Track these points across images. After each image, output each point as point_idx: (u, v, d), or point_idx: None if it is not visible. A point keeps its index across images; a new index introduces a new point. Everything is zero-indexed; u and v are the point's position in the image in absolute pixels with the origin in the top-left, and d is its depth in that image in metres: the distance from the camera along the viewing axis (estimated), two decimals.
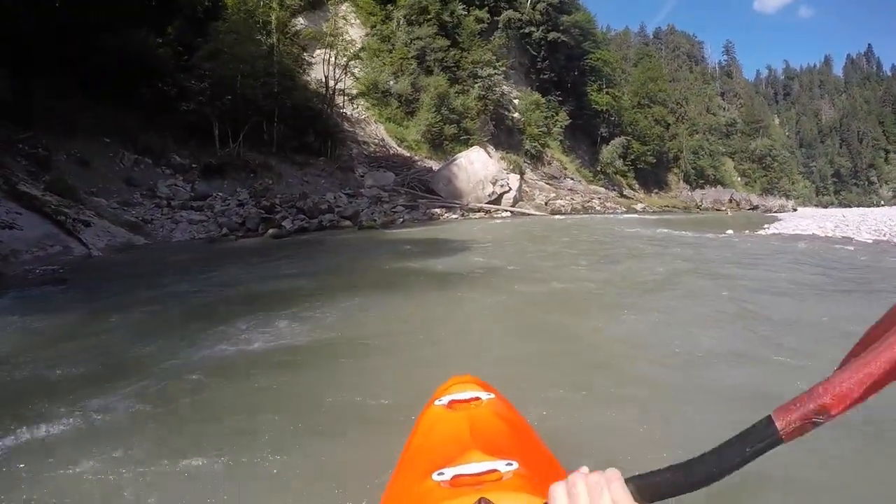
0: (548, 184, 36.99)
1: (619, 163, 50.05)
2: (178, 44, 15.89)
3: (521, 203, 27.53)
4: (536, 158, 39.57)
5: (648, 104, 60.63)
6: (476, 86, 35.65)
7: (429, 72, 33.16)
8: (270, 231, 11.25)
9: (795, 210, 60.95)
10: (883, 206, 69.45)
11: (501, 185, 25.79)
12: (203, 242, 10.46)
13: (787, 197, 76.03)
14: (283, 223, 12.48)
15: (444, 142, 30.77)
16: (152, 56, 15.12)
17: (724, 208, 55.55)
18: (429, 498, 1.21)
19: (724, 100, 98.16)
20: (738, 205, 59.16)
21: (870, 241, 12.61)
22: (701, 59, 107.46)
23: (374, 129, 28.78)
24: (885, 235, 13.85)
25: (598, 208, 36.29)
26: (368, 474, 2.27)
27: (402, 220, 16.89)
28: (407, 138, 29.81)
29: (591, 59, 49.60)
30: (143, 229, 10.38)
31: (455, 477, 1.25)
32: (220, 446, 2.56)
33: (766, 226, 19.09)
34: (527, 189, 30.90)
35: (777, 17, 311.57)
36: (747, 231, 16.60)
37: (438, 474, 1.26)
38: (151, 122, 14.89)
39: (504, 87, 39.25)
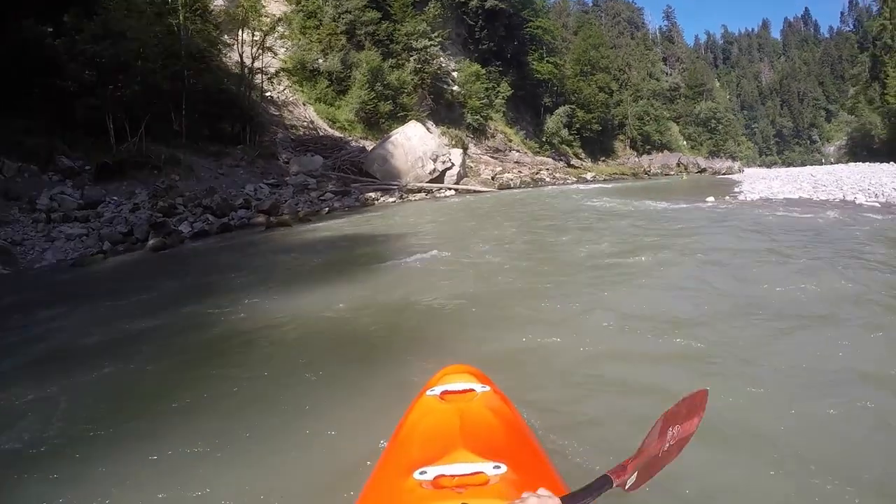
0: (493, 157, 35.79)
1: (564, 132, 48.99)
2: (75, 33, 13.76)
3: (466, 180, 26.21)
4: (479, 132, 38.24)
5: (591, 71, 59.68)
6: (411, 59, 33.95)
7: (360, 47, 31.36)
8: (151, 243, 9.37)
9: (742, 171, 61.63)
10: (827, 164, 70.97)
11: (443, 162, 24.31)
12: (69, 266, 8.47)
13: (733, 158, 76.41)
14: (180, 227, 10.72)
15: (380, 120, 29.06)
16: (44, 49, 13.14)
17: (673, 172, 56.88)
18: (408, 499, 1.18)
19: (666, 65, 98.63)
20: (685, 168, 60.65)
21: (878, 205, 11.96)
22: (641, 25, 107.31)
23: (303, 112, 26.91)
24: (883, 197, 13.28)
25: (547, 180, 35.66)
26: (353, 465, 2.25)
27: (328, 209, 15.31)
28: (339, 119, 28.05)
29: (531, 27, 48.23)
30: (11, 254, 8.66)
31: (438, 477, 1.23)
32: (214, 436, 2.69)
33: (737, 190, 18.32)
34: (471, 164, 29.62)
35: None
36: (727, 197, 15.67)
37: (421, 473, 1.24)
38: (41, 124, 12.92)
39: (441, 59, 37.69)
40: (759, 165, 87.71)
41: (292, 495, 2.25)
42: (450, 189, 23.41)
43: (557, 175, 39.05)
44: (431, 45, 34.97)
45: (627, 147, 66.52)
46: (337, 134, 26.52)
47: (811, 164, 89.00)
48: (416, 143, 23.61)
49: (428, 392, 1.83)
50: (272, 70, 24.45)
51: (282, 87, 26.74)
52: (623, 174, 50.26)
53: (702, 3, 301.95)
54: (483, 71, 40.70)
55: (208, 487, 2.30)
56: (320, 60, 29.56)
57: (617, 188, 26.71)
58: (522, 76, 46.86)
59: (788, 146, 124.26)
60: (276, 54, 25.77)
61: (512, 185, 29.43)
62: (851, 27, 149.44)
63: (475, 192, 24.38)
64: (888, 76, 56.73)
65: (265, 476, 2.39)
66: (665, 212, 12.21)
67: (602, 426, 2.67)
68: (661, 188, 27.05)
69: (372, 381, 3.32)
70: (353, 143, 25.68)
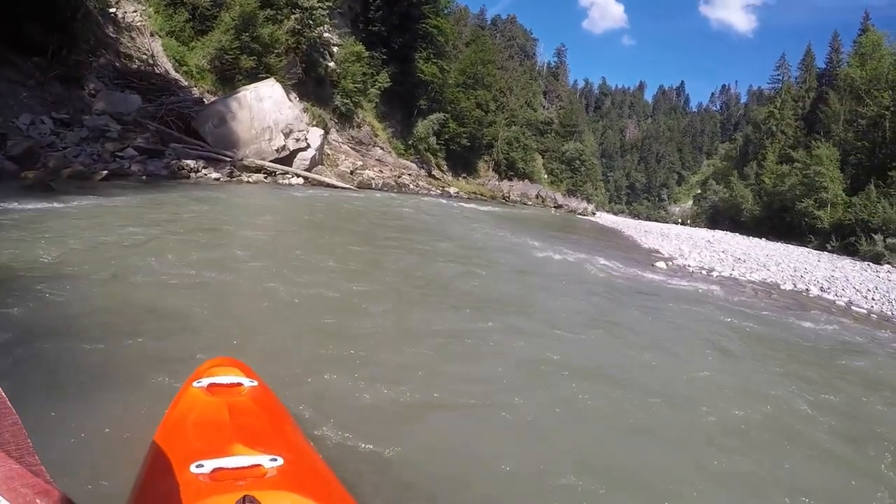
0: (354, 149, 33.05)
1: (432, 140, 47.28)
2: None
3: (320, 168, 23.27)
4: (346, 118, 35.16)
5: (474, 85, 58.54)
6: (293, 17, 30.31)
7: None
8: None
9: (594, 214, 64.68)
10: (672, 222, 77.96)
11: (297, 140, 21.09)
12: None
13: (588, 200, 79.73)
14: None
15: (237, 76, 24.85)
16: None
17: (530, 203, 58.35)
18: (188, 493, 1.16)
19: (546, 99, 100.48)
20: (543, 201, 62.61)
21: (863, 310, 10.74)
22: (532, 56, 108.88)
23: (147, 43, 22.61)
24: (844, 295, 12.32)
25: (412, 187, 33.72)
26: (118, 457, 2.17)
27: (110, 172, 11.53)
28: (189, 62, 23.90)
29: (428, 23, 45.93)
30: None
31: (216, 470, 1.23)
32: None
33: (655, 254, 17.05)
34: (329, 152, 26.75)
35: (602, 39, 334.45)
36: (663, 266, 13.30)
37: (197, 466, 1.23)
38: None
39: (326, 28, 34.45)
40: (606, 211, 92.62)
41: None
42: (298, 176, 20.21)
43: (421, 183, 37.39)
44: (320, 7, 31.43)
45: (490, 169, 66.30)
46: (180, 79, 22.28)
47: (654, 219, 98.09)
48: (267, 108, 20.04)
49: (195, 384, 1.78)
50: None
51: (131, 9, 22.57)
52: (482, 195, 49.76)
53: (590, 52, 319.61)
54: (366, 54, 37.76)
55: None
56: None
57: (505, 217, 24.97)
58: (404, 72, 44.17)
59: (638, 199, 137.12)
60: None
61: (373, 185, 27.00)
62: (718, 108, 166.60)
63: (329, 185, 21.57)
64: (765, 158, 63.50)
65: None
66: (627, 283, 9.61)
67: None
68: (556, 226, 26.40)
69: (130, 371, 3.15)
70: (193, 92, 21.59)
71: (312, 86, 32.18)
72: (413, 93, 47.10)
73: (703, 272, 12.94)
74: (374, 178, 28.21)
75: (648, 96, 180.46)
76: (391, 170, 34.46)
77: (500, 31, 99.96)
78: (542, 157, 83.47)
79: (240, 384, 1.81)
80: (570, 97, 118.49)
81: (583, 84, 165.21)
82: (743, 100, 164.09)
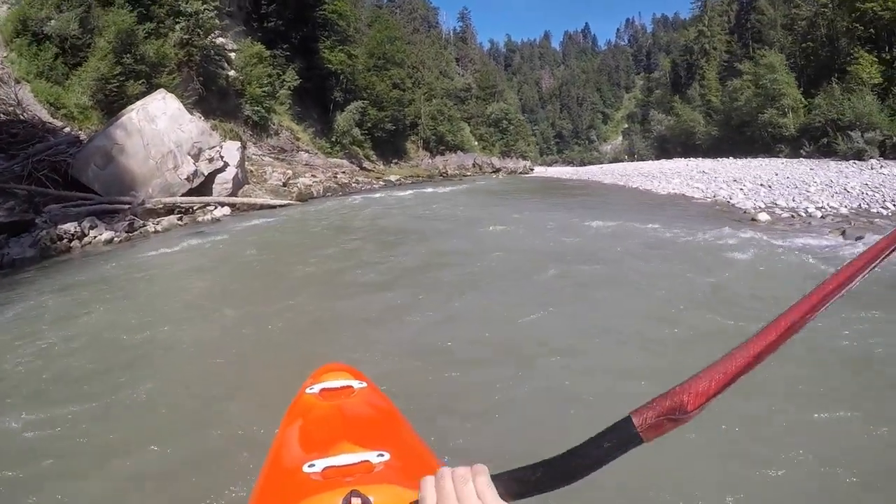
0: (278, 159, 30.07)
1: (356, 131, 44.36)
2: None
3: (247, 189, 20.36)
4: (261, 128, 31.92)
5: (385, 66, 55.77)
6: (177, 27, 27.03)
7: (108, 3, 23.96)
8: None
9: (532, 170, 70.46)
10: (606, 161, 79.44)
11: (210, 160, 17.97)
12: None
13: (524, 158, 79.53)
14: None
15: (128, 105, 21.79)
16: None
17: (469, 173, 58.51)
18: (300, 491, 1.20)
19: (459, 66, 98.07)
20: (480, 168, 63.41)
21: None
22: (435, 25, 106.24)
23: (11, 91, 19.19)
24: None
25: (353, 185, 31.73)
26: (239, 468, 2.52)
27: None
28: (67, 103, 20.48)
29: (325, 10, 42.77)
30: None
31: (326, 469, 1.27)
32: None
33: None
34: (252, 168, 23.85)
35: None
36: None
37: (309, 466, 1.28)
38: None
39: (218, 34, 31.21)
40: (539, 164, 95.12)
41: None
42: (223, 205, 17.14)
43: (360, 179, 35.17)
44: (206, 9, 28.07)
45: (420, 148, 63.76)
46: (56, 123, 18.71)
47: (589, 162, 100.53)
48: (164, 129, 16.53)
49: (307, 390, 1.86)
50: None
51: None
52: (419, 176, 48.36)
53: (487, 12, 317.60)
54: (268, 53, 34.56)
55: None
56: (52, 21, 21.99)
57: (477, 192, 25.17)
58: (311, 65, 41.17)
59: (568, 146, 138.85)
60: None
61: (315, 194, 24.32)
62: (627, 42, 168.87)
63: (266, 206, 18.79)
64: (704, 78, 64.24)
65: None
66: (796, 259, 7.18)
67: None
68: (536, 191, 26.58)
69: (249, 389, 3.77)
70: (67, 133, 17.89)
71: (216, 100, 28.99)
72: (324, 86, 44.11)
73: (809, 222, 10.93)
74: (311, 186, 25.38)
75: (556, 44, 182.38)
76: (322, 171, 31.58)
77: (398, 7, 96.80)
78: (469, 125, 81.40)
79: (350, 387, 1.85)
80: (482, 59, 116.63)
81: (488, 45, 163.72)
82: (649, 29, 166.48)
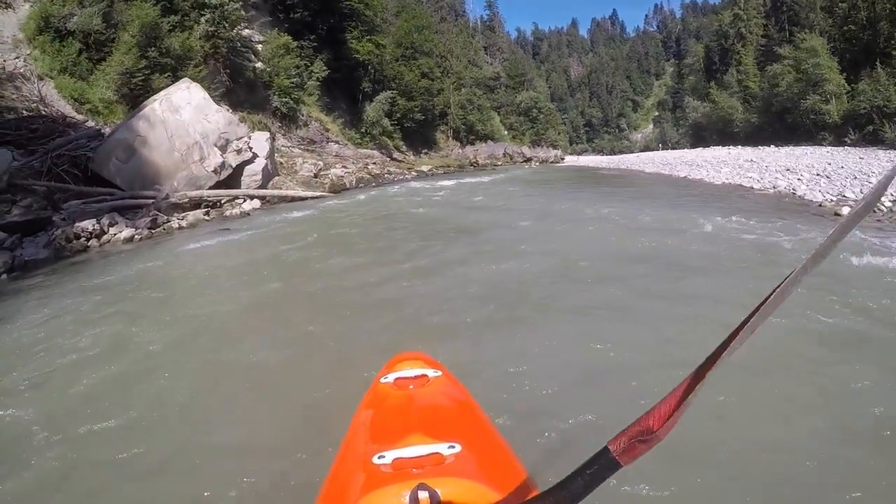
0: (308, 150, 29.33)
1: (385, 122, 43.63)
2: None
3: (277, 180, 19.58)
4: (289, 119, 31.21)
5: (414, 55, 54.68)
6: (203, 20, 26.41)
7: None
8: None
9: (563, 159, 68.58)
10: (637, 151, 78.43)
11: (239, 151, 17.12)
12: None
13: (554, 147, 78.30)
14: None
15: None
16: None
17: (500, 163, 56.91)
18: (369, 482, 1.21)
19: (487, 54, 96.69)
20: (511, 158, 61.77)
21: None
22: (462, 14, 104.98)
23: (35, 88, 18.64)
24: None
25: (386, 176, 31.04)
26: (313, 456, 2.54)
27: None
28: (92, 98, 20.00)
29: (351, 0, 41.92)
30: None
31: (396, 460, 1.26)
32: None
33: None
34: (281, 160, 23.10)
35: None
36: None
37: (379, 457, 1.27)
38: None
39: (244, 29, 30.60)
40: (569, 153, 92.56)
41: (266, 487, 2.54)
42: (253, 198, 16.39)
43: (392, 169, 34.37)
44: (231, 1, 27.35)
45: (450, 138, 62.74)
46: (74, 117, 17.96)
47: (619, 151, 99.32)
48: (188, 119, 15.70)
49: (382, 380, 1.86)
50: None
51: (12, 56, 18.97)
52: (449, 166, 47.27)
53: (513, 0, 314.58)
54: (295, 44, 33.89)
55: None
56: (75, 17, 21.47)
57: (520, 182, 24.50)
58: (339, 56, 40.43)
59: (598, 134, 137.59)
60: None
61: (348, 185, 23.61)
62: (655, 28, 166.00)
63: (297, 198, 18.01)
64: (741, 63, 61.85)
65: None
66: None
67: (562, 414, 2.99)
68: (585, 180, 25.53)
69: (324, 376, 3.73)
70: (88, 127, 17.09)
71: (244, 93, 28.37)
72: (352, 77, 43.18)
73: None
74: (344, 177, 24.60)
75: (583, 31, 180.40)
76: (353, 162, 30.79)
77: None
78: (499, 114, 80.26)
79: (424, 376, 1.82)
80: (510, 47, 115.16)
81: (515, 34, 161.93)
82: (678, 15, 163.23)
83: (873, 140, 31.39)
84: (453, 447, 1.27)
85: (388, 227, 10.99)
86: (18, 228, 9.66)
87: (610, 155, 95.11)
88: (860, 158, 21.98)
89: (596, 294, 5.41)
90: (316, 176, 22.96)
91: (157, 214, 12.38)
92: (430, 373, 1.84)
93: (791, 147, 35.82)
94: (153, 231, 11.59)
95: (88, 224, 10.41)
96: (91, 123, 17.61)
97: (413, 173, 36.09)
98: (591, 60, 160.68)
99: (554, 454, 2.55)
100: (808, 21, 48.09)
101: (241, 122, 21.17)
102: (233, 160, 16.87)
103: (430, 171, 39.88)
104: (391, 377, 1.84)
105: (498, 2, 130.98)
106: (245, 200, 16.06)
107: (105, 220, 10.89)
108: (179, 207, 13.69)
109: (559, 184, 24.85)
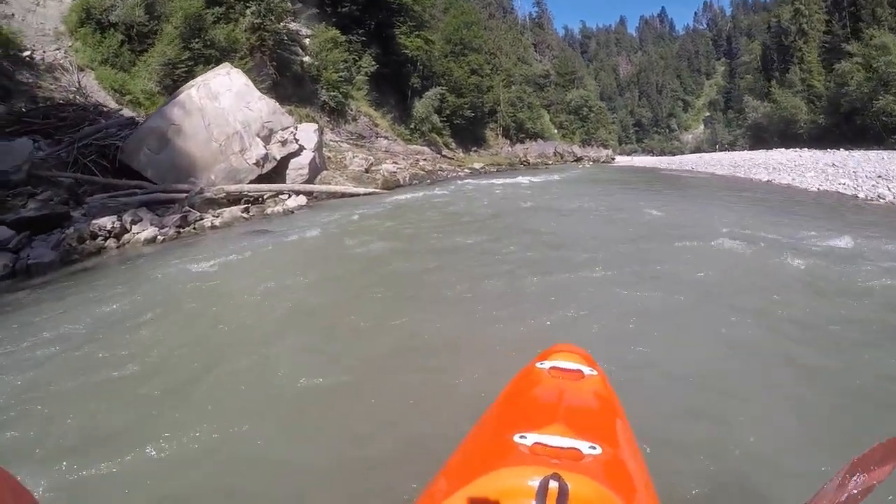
0: (357, 145, 28.03)
1: (435, 118, 42.37)
2: None
3: (325, 175, 18.15)
4: (338, 114, 30.01)
5: (463, 52, 53.24)
6: (248, 11, 25.24)
7: None
8: None
9: (614, 159, 66.98)
10: (689, 152, 77.74)
11: (284, 142, 15.75)
12: None
13: (604, 146, 76.54)
14: None
15: None
16: None
17: (551, 161, 55.77)
18: (505, 458, 1.26)
19: (536, 52, 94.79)
20: (561, 157, 60.54)
21: None
22: (511, 11, 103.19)
23: (75, 79, 17.68)
24: None
25: (440, 173, 29.82)
26: (454, 419, 2.49)
27: None
28: (133, 89, 19.10)
29: None
30: None
31: (536, 444, 1.28)
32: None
33: None
34: (329, 154, 21.77)
35: None
36: None
37: (521, 437, 1.30)
38: None
39: (291, 21, 29.53)
40: (619, 153, 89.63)
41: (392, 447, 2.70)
42: (298, 194, 14.93)
43: (444, 166, 33.22)
44: None
45: (500, 136, 61.29)
46: (106, 104, 17.03)
47: (670, 152, 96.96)
48: (228, 107, 14.33)
49: (538, 364, 1.89)
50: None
51: (52, 48, 18.19)
52: (499, 164, 45.64)
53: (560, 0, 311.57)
54: (343, 38, 32.68)
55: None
56: (117, 9, 20.57)
57: (582, 183, 23.45)
58: (388, 51, 39.23)
59: (647, 135, 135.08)
60: None
61: (402, 181, 22.26)
62: (705, 26, 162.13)
63: (347, 195, 16.64)
64: (803, 60, 58.73)
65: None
66: None
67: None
68: (675, 184, 23.46)
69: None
70: (119, 115, 15.82)
71: (291, 87, 27.20)
72: (401, 72, 42.12)
73: None
74: (396, 172, 23.19)
75: (632, 29, 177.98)
76: (404, 158, 29.42)
77: None
78: (548, 112, 78.50)
79: (580, 371, 1.83)
80: (559, 45, 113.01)
81: (563, 32, 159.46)
82: (728, 12, 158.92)
83: None
84: (594, 448, 1.25)
85: (462, 230, 9.40)
86: (30, 226, 8.27)
87: (660, 156, 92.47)
88: None
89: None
90: (367, 171, 21.59)
91: (189, 211, 11.01)
92: (586, 370, 1.84)
93: (863, 151, 33.27)
94: (181, 230, 10.12)
95: (108, 221, 8.99)
96: (124, 112, 16.45)
97: (466, 171, 35.04)
98: (640, 59, 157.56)
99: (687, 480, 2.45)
100: (876, 16, 45.20)
101: (290, 114, 19.97)
102: (277, 152, 15.47)
103: (482, 168, 38.68)
104: (547, 364, 1.86)
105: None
106: (290, 196, 14.61)
107: (127, 217, 9.47)
108: (215, 203, 12.23)
109: (636, 185, 22.86)
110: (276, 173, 15.60)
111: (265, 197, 14.07)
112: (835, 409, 3.16)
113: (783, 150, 43.85)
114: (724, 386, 3.42)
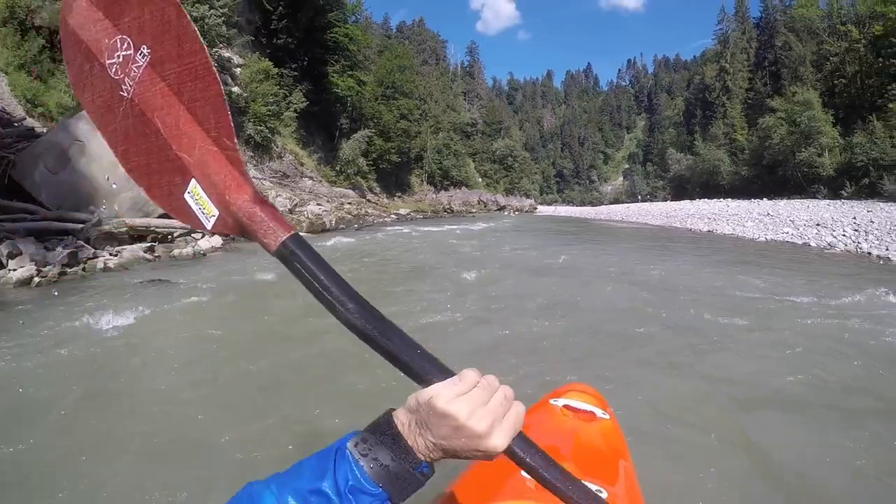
0: (280, 184, 27.03)
1: (361, 161, 41.80)
2: None
3: None
4: (263, 150, 29.02)
5: (394, 95, 53.08)
6: None
7: None
8: None
9: (536, 209, 70.57)
10: (607, 202, 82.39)
11: None
12: None
13: (527, 196, 78.17)
14: None
15: None
16: None
17: (475, 210, 57.11)
18: (512, 491, 1.23)
19: (465, 100, 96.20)
20: (485, 205, 62.08)
21: None
22: (444, 58, 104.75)
23: None
24: None
25: (367, 218, 29.66)
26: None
27: None
28: (49, 102, 17.39)
29: (337, 32, 40.15)
30: None
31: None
32: None
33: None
34: None
35: (499, 38, 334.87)
36: None
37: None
38: None
39: (224, 49, 28.54)
40: (540, 203, 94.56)
41: None
42: (214, 233, 13.43)
43: (369, 210, 32.82)
44: (214, 14, 25.37)
45: (424, 182, 61.33)
46: (35, 125, 15.32)
47: (590, 203, 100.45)
48: None
49: (551, 401, 1.87)
50: None
51: None
52: (423, 211, 46.28)
53: (491, 49, 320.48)
54: (275, 71, 31.84)
55: None
56: (43, 11, 19.12)
57: (521, 232, 23.03)
58: (319, 89, 38.55)
59: (568, 185, 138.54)
60: None
61: (328, 225, 21.43)
62: (628, 82, 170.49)
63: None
64: (726, 115, 63.38)
65: None
66: None
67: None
68: (600, 233, 24.31)
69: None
70: (22, 125, 14.05)
71: None
72: (331, 112, 41.46)
73: None
74: (321, 215, 22.26)
75: (557, 83, 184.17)
76: (329, 201, 28.54)
77: (407, 38, 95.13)
78: (474, 161, 79.52)
79: (592, 413, 1.81)
80: (488, 94, 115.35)
81: (491, 83, 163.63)
82: (650, 70, 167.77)
83: (870, 193, 31.75)
84: (601, 492, 1.24)
85: (413, 285, 8.67)
86: None
87: (581, 206, 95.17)
88: (868, 211, 21.67)
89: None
90: (291, 212, 20.65)
91: (82, 246, 9.45)
92: (599, 412, 1.82)
93: (786, 200, 35.61)
94: (68, 270, 8.42)
95: None
96: (36, 125, 15.05)
97: (392, 216, 34.93)
98: (564, 112, 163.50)
99: None
100: (798, 75, 49.03)
101: None
102: None
103: (408, 214, 38.75)
104: (560, 402, 1.84)
105: (480, 49, 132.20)
106: (204, 236, 13.45)
107: (4, 249, 7.80)
108: (115, 239, 10.72)
109: (579, 236, 22.43)
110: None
111: (175, 235, 12.69)
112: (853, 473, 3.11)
113: (707, 200, 46.08)
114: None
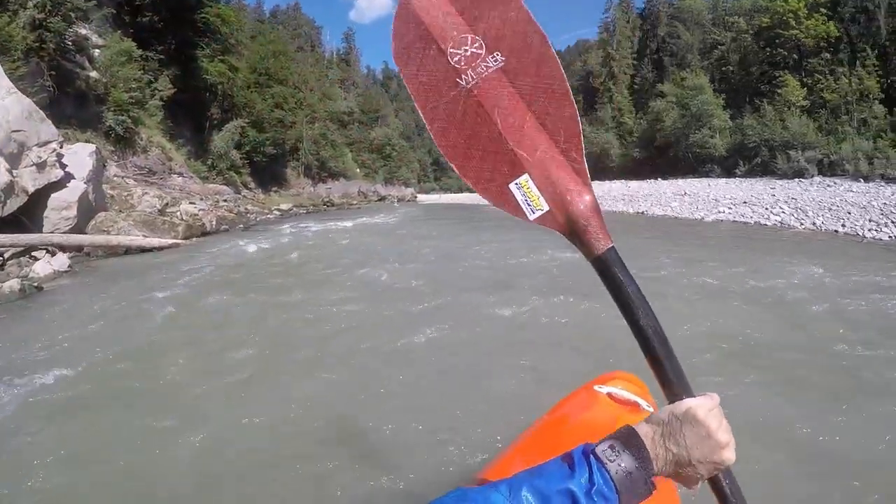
0: (147, 182, 24.46)
1: (234, 153, 39.29)
2: None
3: (103, 218, 14.68)
4: (126, 143, 25.88)
5: (268, 83, 50.48)
6: (31, 3, 20.95)
7: None
8: None
9: (416, 198, 70.61)
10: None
11: (41, 164, 12.12)
12: None
13: (406, 185, 78.33)
14: None
15: None
16: None
17: (355, 202, 55.74)
18: None
19: (342, 88, 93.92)
20: (365, 196, 61.31)
21: None
22: (319, 44, 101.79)
23: None
24: None
25: (250, 216, 28.19)
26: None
27: None
28: None
29: (208, 13, 37.29)
30: None
31: None
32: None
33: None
34: (111, 192, 18.52)
35: (373, 27, 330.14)
36: None
37: None
38: None
39: (81, 27, 25.43)
40: (419, 192, 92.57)
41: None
42: (63, 249, 11.38)
43: (249, 208, 30.99)
44: None
45: (301, 175, 58.85)
46: None
47: (471, 191, 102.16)
48: None
49: (596, 387, 1.86)
50: None
51: None
52: (302, 205, 43.58)
53: (365, 37, 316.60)
54: (139, 53, 28.89)
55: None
56: None
57: (432, 221, 23.55)
58: (187, 75, 35.39)
59: (446, 174, 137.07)
60: None
61: (209, 227, 19.31)
62: None
63: (140, 249, 13.59)
64: (612, 100, 67.20)
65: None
66: None
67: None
68: (505, 218, 23.59)
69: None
70: None
71: (71, 106, 23.02)
72: (200, 100, 38.55)
73: None
74: (199, 215, 19.77)
75: None
76: (203, 199, 26.20)
77: (281, 23, 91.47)
78: (351, 151, 77.80)
79: (637, 404, 1.79)
80: (365, 82, 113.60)
81: (366, 72, 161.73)
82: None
83: (763, 171, 34.55)
84: None
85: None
86: None
87: (459, 192, 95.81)
88: (770, 188, 23.62)
89: None
90: (162, 212, 18.44)
91: None
92: (643, 403, 1.79)
93: (682, 179, 38.10)
94: None
95: None
96: None
97: (275, 213, 33.49)
98: None
99: None
100: (685, 62, 53.43)
101: (66, 140, 16.26)
102: (30, 181, 11.62)
103: (290, 209, 37.12)
104: (605, 389, 1.82)
105: (357, 36, 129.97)
106: (46, 253, 10.82)
107: None
108: None
109: (492, 222, 20.49)
110: (27, 213, 11.83)
111: (5, 257, 10.14)
112: None
113: (598, 181, 47.72)
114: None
